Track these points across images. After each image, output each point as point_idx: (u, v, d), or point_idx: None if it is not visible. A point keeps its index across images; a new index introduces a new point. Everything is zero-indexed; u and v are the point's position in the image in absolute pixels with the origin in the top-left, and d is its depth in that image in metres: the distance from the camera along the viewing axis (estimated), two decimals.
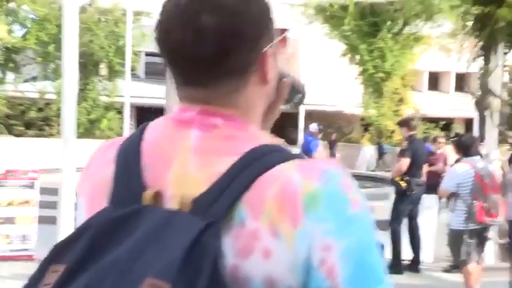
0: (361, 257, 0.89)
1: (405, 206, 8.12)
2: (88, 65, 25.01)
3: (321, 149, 17.81)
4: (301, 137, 34.14)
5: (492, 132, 8.87)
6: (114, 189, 0.98)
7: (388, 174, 22.15)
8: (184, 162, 0.95)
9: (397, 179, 8.02)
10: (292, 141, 7.23)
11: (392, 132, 28.60)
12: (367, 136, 29.33)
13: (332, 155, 25.00)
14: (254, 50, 0.99)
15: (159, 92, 13.92)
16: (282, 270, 0.87)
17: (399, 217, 8.12)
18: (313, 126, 13.36)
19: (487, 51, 8.76)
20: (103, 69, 26.37)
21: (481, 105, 9.04)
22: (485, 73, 8.88)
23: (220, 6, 0.95)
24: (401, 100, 28.95)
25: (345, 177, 0.93)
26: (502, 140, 8.80)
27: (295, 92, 1.23)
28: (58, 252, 0.90)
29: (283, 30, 1.10)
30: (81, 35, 23.77)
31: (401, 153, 8.08)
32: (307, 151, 12.55)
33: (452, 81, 39.98)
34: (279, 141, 1.00)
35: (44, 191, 9.93)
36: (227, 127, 0.97)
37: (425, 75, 40.46)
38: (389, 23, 22.46)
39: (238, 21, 0.96)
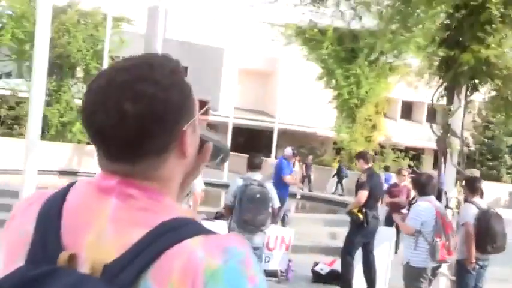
0: None
1: (360, 238, 8.27)
2: (64, 67, 24.79)
3: (296, 170, 17.84)
4: (273, 156, 34.40)
5: (451, 171, 9.04)
6: (32, 248, 1.02)
7: (349, 199, 22.40)
8: (101, 229, 1.01)
9: (355, 210, 8.13)
10: (257, 166, 7.33)
11: None
12: (337, 159, 29.57)
13: (307, 176, 25.16)
14: (174, 133, 1.06)
15: None
16: None
17: (353, 249, 8.25)
18: (288, 150, 13.46)
19: (450, 92, 8.94)
20: (79, 72, 26.19)
21: (442, 143, 9.22)
22: (448, 113, 9.08)
23: (141, 94, 1.02)
24: (374, 127, 29.26)
25: (246, 255, 1.01)
26: (459, 178, 8.96)
27: (219, 152, 1.28)
28: None
29: (204, 103, 1.20)
30: (59, 36, 23.78)
31: (361, 186, 8.21)
32: (279, 173, 12.62)
33: (425, 112, 40.51)
34: (191, 215, 1.07)
35: (3, 193, 9.85)
36: (143, 198, 1.03)
37: (399, 104, 40.98)
38: (366, 50, 22.75)
39: (158, 109, 1.03)
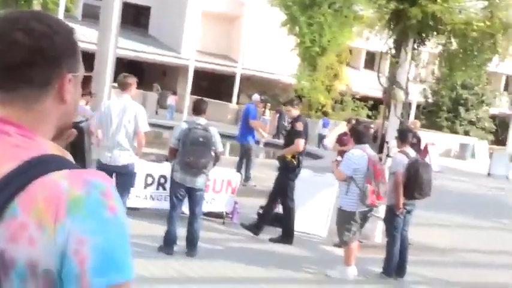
0: (109, 252, 1.09)
1: (293, 182, 8.50)
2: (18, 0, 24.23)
3: (268, 119, 17.78)
4: (234, 101, 34.42)
5: (394, 122, 9.34)
6: None
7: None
8: None
9: (288, 156, 8.31)
10: (201, 110, 7.45)
11: (323, 106, 29.27)
12: (300, 107, 29.66)
13: (280, 125, 25.05)
14: (52, 69, 1.19)
15: (94, 36, 13.76)
16: (42, 256, 1.07)
17: (291, 192, 8.47)
18: (256, 96, 13.56)
19: (398, 45, 9.16)
20: (36, 6, 25.54)
21: (388, 95, 9.48)
22: (394, 66, 9.31)
23: (31, 28, 1.16)
24: (335, 76, 29.50)
25: (108, 187, 1.13)
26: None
27: (88, 138, 1.39)
28: None
29: (88, 77, 1.38)
30: None
31: (297, 134, 8.32)
32: (247, 119, 12.79)
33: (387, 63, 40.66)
34: (61, 152, 1.18)
35: None
36: (16, 136, 1.15)
37: (363, 54, 41.13)
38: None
39: (45, 44, 1.17)
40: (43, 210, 1.07)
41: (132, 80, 7.15)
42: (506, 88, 47.05)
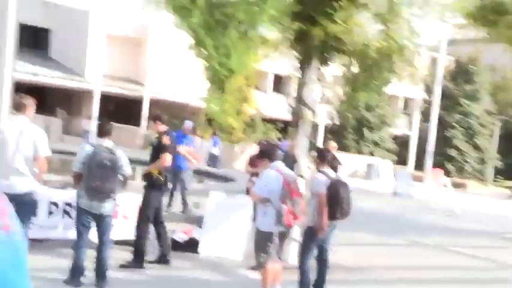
0: (4, 275, 1.03)
1: (159, 202, 8.29)
2: None
3: (198, 146, 17.46)
4: (143, 125, 33.90)
5: (303, 141, 9.52)
6: None
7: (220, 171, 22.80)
8: None
9: (155, 172, 8.02)
10: (106, 132, 7.23)
11: (233, 128, 29.44)
12: (210, 131, 29.77)
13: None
14: None
15: None
16: None
17: (152, 210, 8.17)
18: (187, 123, 13.48)
19: (303, 65, 9.39)
20: None
21: (296, 115, 9.66)
22: (301, 86, 9.52)
23: None
24: (244, 99, 29.78)
25: (1, 207, 1.12)
26: (312, 149, 9.47)
27: None
28: None
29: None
30: None
31: (164, 148, 8.05)
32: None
33: (294, 85, 41.57)
34: None
35: None
36: None
37: (270, 77, 41.87)
38: (236, 22, 22.97)
39: None
40: None
41: (29, 101, 6.49)
42: (405, 109, 49.22)
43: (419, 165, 26.92)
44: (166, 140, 8.13)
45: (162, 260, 8.27)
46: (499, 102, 44.84)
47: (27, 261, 1.12)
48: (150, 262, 8.10)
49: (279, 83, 42.85)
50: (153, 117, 8.91)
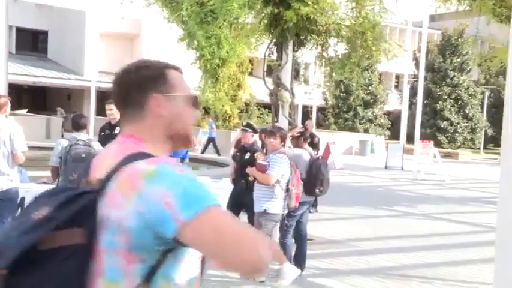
0: (188, 194, 1.47)
1: None
2: None
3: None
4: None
5: (283, 121, 9.43)
6: (79, 176, 1.73)
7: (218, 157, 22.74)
8: (107, 160, 1.61)
9: None
10: (81, 126, 7.10)
11: (229, 116, 29.34)
12: (205, 119, 29.66)
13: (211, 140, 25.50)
14: (141, 94, 1.67)
15: None
16: (125, 216, 1.48)
17: None
18: None
19: (279, 48, 9.29)
20: None
21: (274, 97, 9.57)
22: (277, 68, 9.42)
23: (118, 75, 1.73)
24: (239, 85, 29.64)
25: (176, 162, 1.59)
26: (291, 128, 9.35)
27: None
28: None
29: (195, 97, 1.79)
30: None
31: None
32: None
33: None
34: (154, 152, 1.61)
35: None
36: (127, 142, 1.66)
37: (263, 63, 41.61)
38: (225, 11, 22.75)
39: (127, 81, 1.70)
40: (124, 184, 1.50)
41: (5, 100, 6.43)
42: (396, 87, 49.01)
43: (411, 138, 26.79)
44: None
45: None
46: (487, 72, 44.56)
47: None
48: None
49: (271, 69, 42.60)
50: (113, 102, 8.45)
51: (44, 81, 35.16)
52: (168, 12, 25.14)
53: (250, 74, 33.64)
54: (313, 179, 7.19)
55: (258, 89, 33.38)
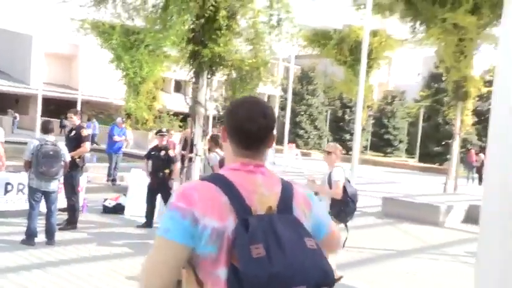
0: (325, 212, 1.67)
1: (79, 179, 7.67)
2: None
3: (130, 136, 16.55)
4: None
5: (198, 130, 9.42)
6: (236, 209, 1.34)
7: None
8: (260, 191, 1.41)
9: (77, 157, 7.38)
10: (49, 130, 6.74)
11: (147, 120, 28.67)
12: (129, 122, 28.70)
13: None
14: (272, 135, 1.50)
15: None
16: (306, 225, 1.41)
17: (76, 187, 7.55)
18: (119, 119, 13.15)
19: (197, 75, 9.27)
20: None
21: (193, 111, 9.53)
22: (195, 90, 9.40)
23: (267, 114, 1.47)
24: (154, 98, 29.04)
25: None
26: (204, 135, 9.37)
27: None
28: (252, 236, 1.27)
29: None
30: None
31: (85, 139, 7.46)
32: (111, 136, 12.49)
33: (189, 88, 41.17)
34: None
35: None
36: (267, 172, 1.48)
37: (172, 82, 41.11)
38: (146, 42, 22.18)
39: (273, 122, 1.48)
40: (303, 206, 1.48)
41: None
42: (268, 103, 50.37)
43: (280, 141, 27.66)
44: (85, 132, 7.54)
45: (70, 225, 7.52)
46: (330, 97, 46.99)
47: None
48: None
49: (178, 86, 42.12)
50: (73, 112, 7.79)
51: None
52: (101, 40, 24.18)
53: (162, 89, 33.01)
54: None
55: (167, 101, 32.87)
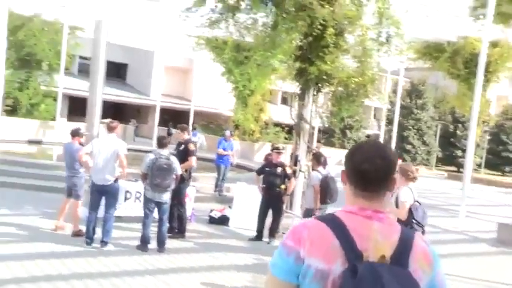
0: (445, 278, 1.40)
1: (185, 190, 7.90)
2: (32, 62, 23.39)
3: (238, 148, 17.11)
4: (190, 129, 33.79)
5: (303, 146, 9.35)
6: (346, 253, 1.30)
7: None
8: (375, 238, 1.33)
9: (184, 170, 7.47)
10: (164, 144, 7.08)
11: (253, 131, 29.34)
12: (236, 133, 29.57)
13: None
14: (393, 178, 1.40)
15: (86, 86, 13.28)
16: (421, 283, 1.29)
17: (183, 198, 7.84)
18: (227, 132, 13.18)
19: (303, 92, 9.21)
20: (44, 66, 24.57)
21: (298, 127, 9.49)
22: (301, 106, 9.34)
23: (386, 156, 1.39)
24: (261, 110, 29.60)
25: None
26: (309, 151, 9.28)
27: None
28: (358, 284, 1.23)
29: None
30: (28, 38, 22.29)
31: (192, 153, 7.66)
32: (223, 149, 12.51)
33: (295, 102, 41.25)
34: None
35: None
36: (387, 219, 1.39)
37: (279, 94, 41.62)
38: (255, 57, 22.74)
39: (392, 164, 1.39)
40: (423, 261, 1.34)
41: (116, 124, 7.06)
42: (374, 116, 48.75)
43: None
44: (192, 146, 7.78)
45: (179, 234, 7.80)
46: (440, 111, 44.10)
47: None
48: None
49: (285, 98, 42.51)
50: (180, 128, 8.15)
51: (122, 100, 35.58)
52: (213, 54, 25.37)
53: (269, 101, 33.53)
54: (325, 192, 7.17)
55: (274, 113, 33.30)
